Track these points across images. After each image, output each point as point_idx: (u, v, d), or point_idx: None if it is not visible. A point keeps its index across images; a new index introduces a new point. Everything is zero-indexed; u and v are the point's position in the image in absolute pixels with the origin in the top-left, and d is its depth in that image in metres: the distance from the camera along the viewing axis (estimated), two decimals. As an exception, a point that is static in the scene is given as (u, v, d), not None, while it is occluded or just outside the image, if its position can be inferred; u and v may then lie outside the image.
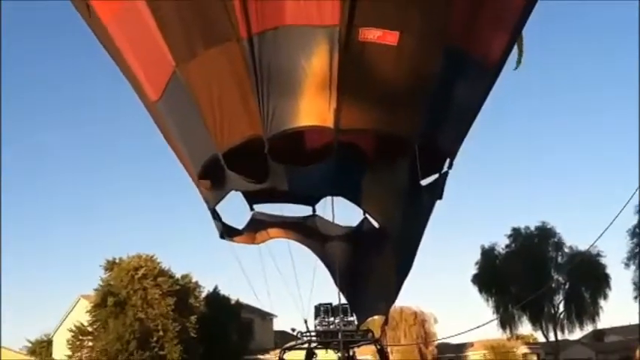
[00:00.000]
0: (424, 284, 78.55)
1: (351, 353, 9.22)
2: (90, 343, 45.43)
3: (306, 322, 8.55)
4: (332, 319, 8.53)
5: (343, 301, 8.81)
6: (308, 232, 9.82)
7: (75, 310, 52.36)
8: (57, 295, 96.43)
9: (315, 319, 8.55)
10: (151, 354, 43.32)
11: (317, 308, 8.57)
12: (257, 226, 9.76)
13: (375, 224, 9.23)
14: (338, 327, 8.49)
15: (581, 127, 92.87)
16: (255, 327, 55.95)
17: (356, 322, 8.81)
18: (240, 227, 9.76)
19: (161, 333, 43.63)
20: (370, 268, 9.03)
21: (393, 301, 8.92)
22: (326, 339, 8.56)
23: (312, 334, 8.51)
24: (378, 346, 8.78)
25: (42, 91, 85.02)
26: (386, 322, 9.03)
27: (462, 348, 61.34)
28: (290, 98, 8.84)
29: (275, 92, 8.80)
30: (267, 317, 58.99)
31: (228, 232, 9.52)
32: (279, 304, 8.86)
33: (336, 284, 9.09)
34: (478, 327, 10.07)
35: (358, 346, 9.30)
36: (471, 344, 58.89)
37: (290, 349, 9.08)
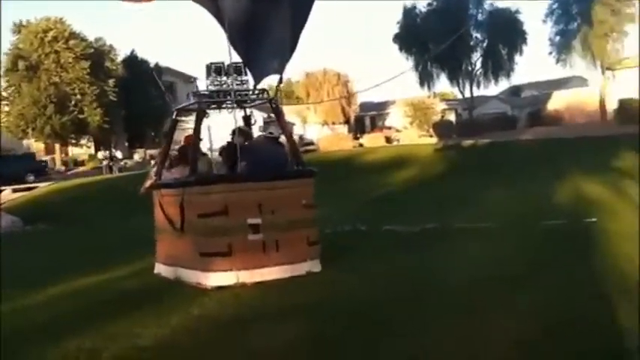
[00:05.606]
0: (347, 45, 78.51)
1: (248, 113, 8.95)
2: (6, 108, 44.42)
3: (195, 80, 8.07)
4: (225, 78, 8.07)
5: (238, 60, 8.32)
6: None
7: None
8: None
9: (207, 78, 8.07)
10: (70, 118, 42.81)
11: (208, 67, 8.04)
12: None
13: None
14: (230, 87, 8.07)
15: None
16: (178, 90, 55.47)
17: (252, 83, 8.40)
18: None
19: (79, 97, 42.84)
20: (264, 23, 8.45)
21: (288, 60, 8.46)
22: (218, 99, 8.16)
23: (204, 93, 8.08)
24: (273, 105, 8.46)
25: None
26: (280, 81, 8.64)
27: (383, 106, 63.12)
28: None
29: None
30: (190, 80, 58.36)
31: None
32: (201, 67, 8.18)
33: (231, 42, 8.51)
34: (391, 79, 9.91)
35: (254, 106, 8.98)
36: (393, 102, 60.53)
37: (182, 110, 8.71)
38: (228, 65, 8.14)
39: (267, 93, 8.51)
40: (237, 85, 8.17)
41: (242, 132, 8.47)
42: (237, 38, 8.48)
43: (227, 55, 8.15)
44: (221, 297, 6.97)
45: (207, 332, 5.77)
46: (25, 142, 48.09)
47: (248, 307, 6.58)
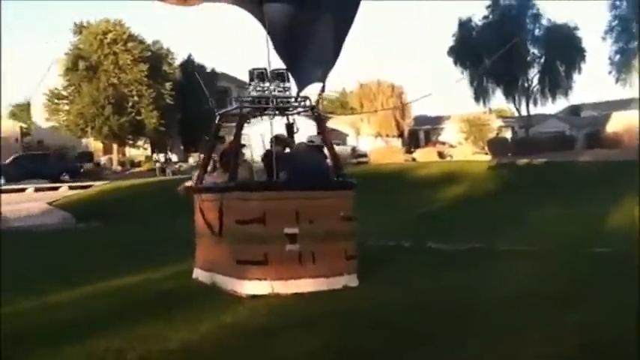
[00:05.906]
0: (401, 58, 78.02)
1: (290, 120, 8.83)
2: (66, 107, 45.56)
3: (247, 86, 8.03)
4: (267, 84, 7.97)
5: (281, 66, 8.23)
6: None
7: (50, 75, 51.75)
8: (34, 61, 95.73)
9: (249, 84, 8.00)
10: (128, 119, 43.64)
11: (250, 73, 7.96)
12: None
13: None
14: (271, 93, 7.96)
15: None
16: (233, 94, 55.99)
17: (294, 90, 8.28)
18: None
19: (136, 99, 43.64)
20: (307, 30, 8.35)
21: (331, 68, 8.35)
22: (259, 105, 8.07)
23: (246, 99, 8.02)
24: (315, 114, 8.31)
25: None
26: (323, 90, 8.52)
27: (438, 120, 62.45)
28: None
29: None
30: (245, 86, 58.77)
31: None
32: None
33: (275, 48, 8.45)
34: (443, 88, 9.61)
35: (298, 114, 8.84)
36: (448, 117, 59.81)
37: (224, 114, 8.66)
38: (270, 71, 8.06)
39: (310, 101, 8.37)
40: (278, 91, 8.06)
41: (279, 140, 8.39)
42: (280, 44, 8.42)
43: (274, 60, 8.12)
44: (254, 306, 6.84)
45: (236, 340, 5.65)
46: (84, 140, 49.19)
47: (280, 317, 6.43)
